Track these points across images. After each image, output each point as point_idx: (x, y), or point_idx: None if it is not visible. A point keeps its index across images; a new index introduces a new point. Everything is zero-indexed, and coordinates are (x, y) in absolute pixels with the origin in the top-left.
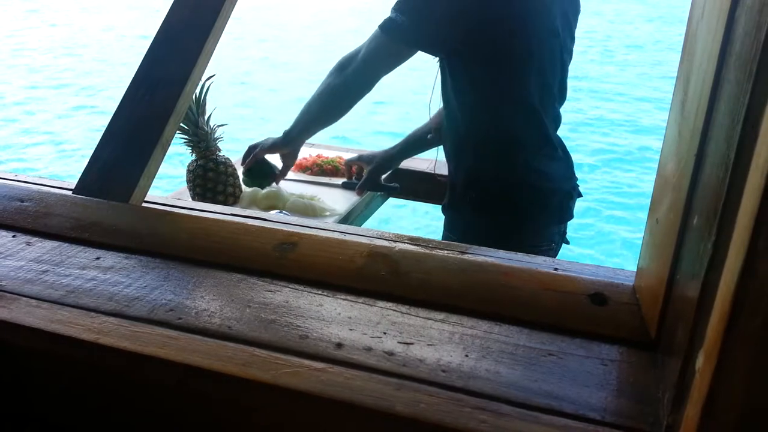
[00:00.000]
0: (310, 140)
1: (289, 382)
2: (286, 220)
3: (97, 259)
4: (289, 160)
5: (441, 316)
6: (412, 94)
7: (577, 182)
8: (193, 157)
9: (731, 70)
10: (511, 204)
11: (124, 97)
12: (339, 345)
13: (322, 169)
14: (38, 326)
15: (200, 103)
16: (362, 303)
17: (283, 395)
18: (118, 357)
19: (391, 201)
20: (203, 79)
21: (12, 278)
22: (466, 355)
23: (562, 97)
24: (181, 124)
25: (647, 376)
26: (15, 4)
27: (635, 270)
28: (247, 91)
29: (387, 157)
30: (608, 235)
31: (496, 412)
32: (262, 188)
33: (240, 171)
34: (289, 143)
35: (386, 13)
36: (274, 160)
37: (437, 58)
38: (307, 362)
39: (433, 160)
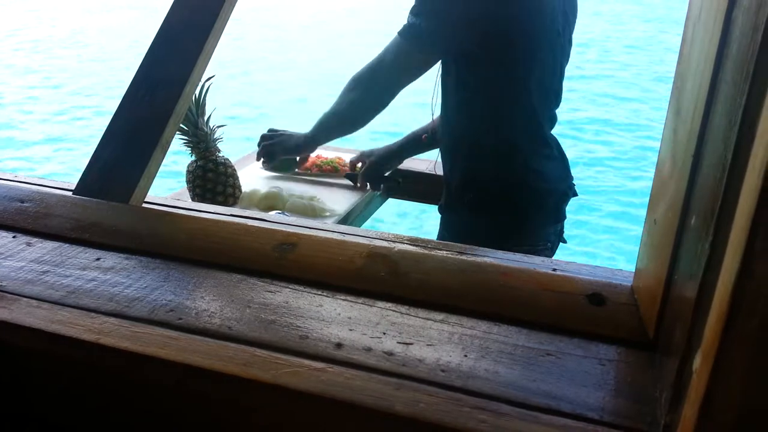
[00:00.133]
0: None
1: (289, 382)
2: (286, 221)
3: (98, 259)
4: (307, 152)
5: (440, 316)
6: (413, 95)
7: (573, 182)
8: (193, 157)
9: (728, 71)
10: (508, 204)
11: (124, 97)
12: (339, 345)
13: (321, 170)
14: (39, 327)
15: (200, 104)
16: (362, 303)
17: (284, 395)
18: (119, 357)
19: (390, 201)
20: (203, 80)
21: (12, 279)
22: (465, 355)
23: (558, 99)
24: (181, 125)
25: (645, 376)
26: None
27: (633, 270)
28: (246, 90)
29: (387, 153)
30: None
31: (495, 411)
32: (290, 172)
33: (242, 170)
34: (310, 148)
35: (386, 13)
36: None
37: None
38: (307, 362)
39: (431, 161)
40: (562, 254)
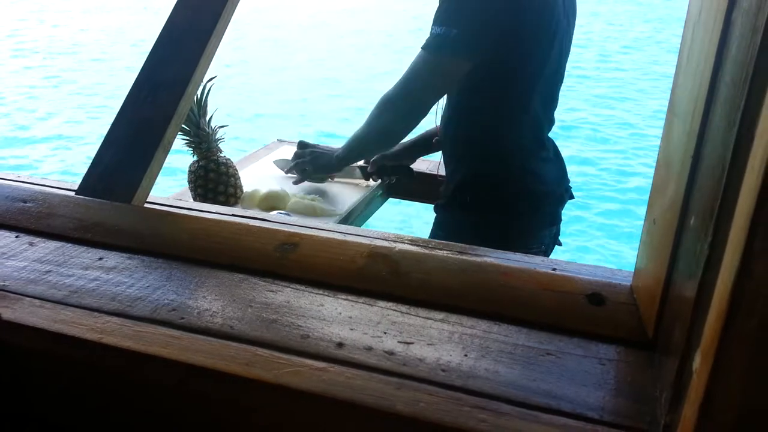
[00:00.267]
0: (312, 142)
1: (291, 382)
2: (287, 221)
3: (100, 259)
4: (336, 172)
5: (441, 315)
6: None
7: (569, 184)
8: (195, 158)
9: (728, 73)
10: (504, 206)
11: (126, 98)
12: (340, 344)
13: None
14: (42, 326)
15: (201, 105)
16: (363, 303)
17: (285, 395)
18: (121, 357)
19: (390, 202)
20: (204, 80)
21: (15, 278)
22: (466, 355)
23: (555, 102)
24: (183, 126)
25: (645, 376)
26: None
27: (633, 270)
28: (245, 90)
29: (399, 148)
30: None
31: (496, 411)
32: (323, 180)
33: (243, 170)
34: (339, 168)
35: (386, 13)
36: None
37: None
38: (308, 362)
39: (431, 161)
40: (555, 256)
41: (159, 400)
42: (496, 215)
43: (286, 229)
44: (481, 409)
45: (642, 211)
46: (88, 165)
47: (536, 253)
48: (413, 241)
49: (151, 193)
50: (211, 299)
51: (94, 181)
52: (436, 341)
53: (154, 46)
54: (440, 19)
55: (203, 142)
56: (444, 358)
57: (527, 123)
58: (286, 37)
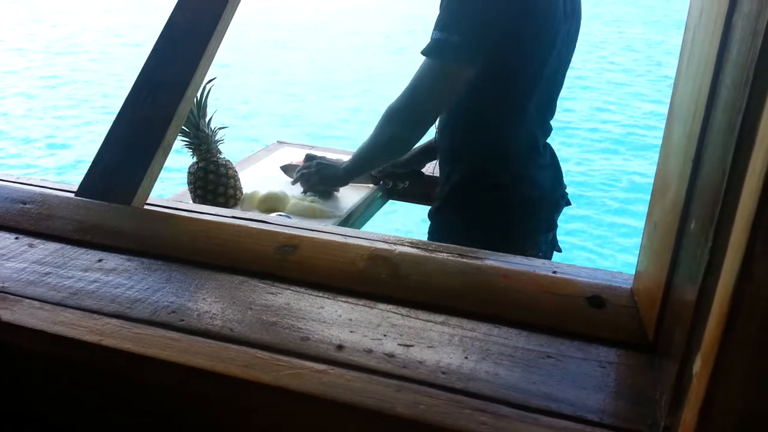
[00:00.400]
0: (311, 143)
1: (291, 384)
2: (287, 223)
3: (100, 261)
4: (343, 185)
5: (441, 318)
6: None
7: (566, 190)
8: (194, 159)
9: (728, 76)
10: (499, 210)
11: (126, 100)
12: (340, 347)
13: None
14: (41, 328)
15: (201, 106)
16: (363, 305)
17: (284, 396)
18: (121, 358)
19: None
20: (204, 82)
21: (15, 280)
22: (466, 357)
23: (553, 109)
24: (183, 127)
25: (645, 379)
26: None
27: (633, 273)
28: (244, 90)
29: (406, 156)
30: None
31: (496, 413)
32: (329, 195)
33: (242, 171)
34: (346, 181)
35: (385, 13)
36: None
37: None
38: (308, 364)
39: (431, 164)
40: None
41: (159, 401)
42: (489, 219)
43: (286, 231)
44: (482, 411)
45: (638, 211)
46: (88, 167)
47: None
48: (414, 244)
49: (150, 195)
50: (211, 301)
51: (93, 182)
52: (436, 344)
53: (154, 47)
54: (441, 24)
55: (203, 143)
56: (444, 361)
57: (523, 127)
58: (285, 37)
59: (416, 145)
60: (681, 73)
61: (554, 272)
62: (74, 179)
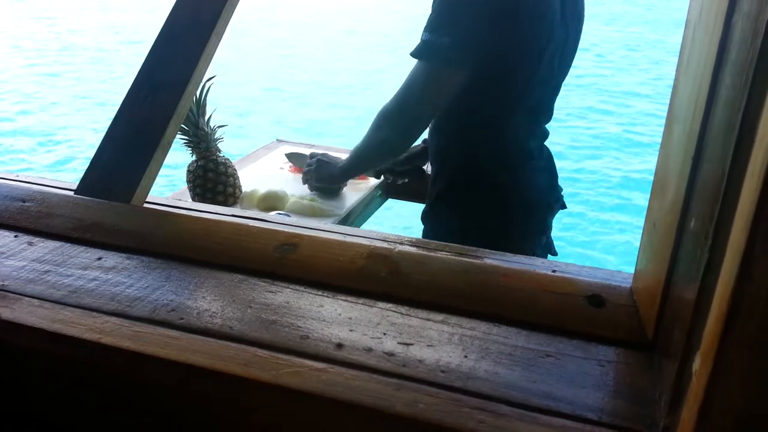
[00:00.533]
0: (311, 143)
1: (290, 382)
2: (287, 221)
3: (99, 259)
4: (339, 183)
5: (440, 317)
6: None
7: (561, 194)
8: (194, 157)
9: (728, 75)
10: (492, 213)
11: (125, 98)
12: (339, 345)
13: None
14: (41, 326)
15: (200, 105)
16: (362, 304)
17: (284, 395)
18: (120, 357)
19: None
20: (204, 80)
21: (14, 278)
22: (465, 356)
23: (550, 111)
24: (182, 125)
25: (644, 378)
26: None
27: (633, 272)
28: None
29: (407, 153)
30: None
31: (495, 412)
32: (335, 194)
33: (242, 169)
34: (342, 180)
35: (384, 13)
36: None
37: None
38: (308, 362)
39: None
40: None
41: (159, 400)
42: (483, 222)
43: (285, 230)
44: (481, 410)
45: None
46: (87, 165)
47: None
48: (413, 243)
49: (150, 193)
50: (211, 300)
51: (93, 180)
52: (435, 342)
53: (153, 46)
54: (432, 25)
55: (202, 141)
56: (444, 360)
57: (512, 131)
58: (284, 36)
59: (417, 142)
60: (681, 72)
61: (554, 271)
62: (73, 177)
